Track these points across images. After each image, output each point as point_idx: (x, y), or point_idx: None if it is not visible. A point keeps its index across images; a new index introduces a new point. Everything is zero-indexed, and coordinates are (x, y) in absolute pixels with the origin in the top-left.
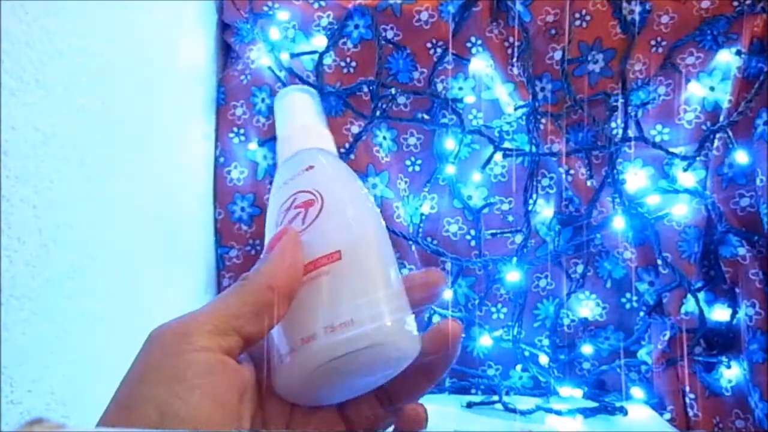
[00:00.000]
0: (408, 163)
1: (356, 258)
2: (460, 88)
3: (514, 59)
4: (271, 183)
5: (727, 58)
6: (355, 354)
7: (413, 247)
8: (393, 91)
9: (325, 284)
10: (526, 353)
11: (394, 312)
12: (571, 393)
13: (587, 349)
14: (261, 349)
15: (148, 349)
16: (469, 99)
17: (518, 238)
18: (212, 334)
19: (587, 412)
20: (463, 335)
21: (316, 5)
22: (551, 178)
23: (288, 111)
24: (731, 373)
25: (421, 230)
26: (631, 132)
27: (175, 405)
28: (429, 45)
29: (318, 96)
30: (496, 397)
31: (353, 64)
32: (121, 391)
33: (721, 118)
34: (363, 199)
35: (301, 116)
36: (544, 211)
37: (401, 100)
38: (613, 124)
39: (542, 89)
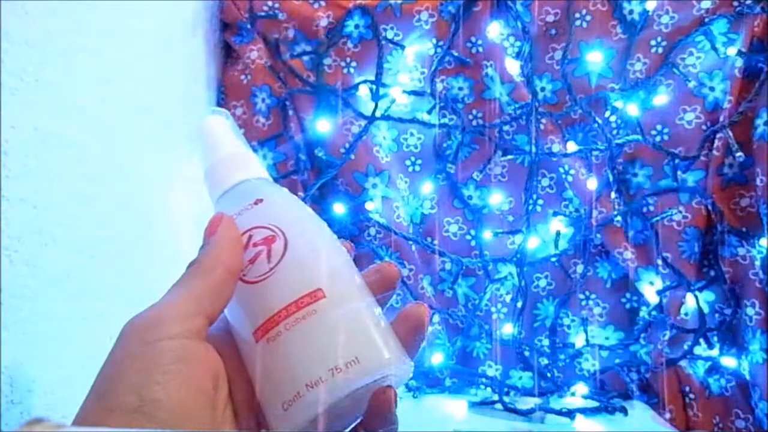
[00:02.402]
0: (408, 163)
1: (339, 294)
2: (460, 88)
3: (515, 59)
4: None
5: (727, 59)
6: (362, 389)
7: (413, 247)
8: (393, 91)
9: (316, 325)
10: (527, 353)
11: (387, 341)
12: (571, 393)
13: (587, 349)
14: (219, 332)
15: (122, 342)
16: (469, 99)
17: (518, 238)
18: (181, 319)
19: (587, 412)
20: (429, 320)
21: (316, 5)
22: (551, 178)
23: (208, 139)
24: (731, 374)
25: (421, 230)
26: (631, 132)
27: (153, 389)
28: (429, 45)
29: (230, 117)
30: (496, 397)
31: (353, 64)
32: (99, 382)
33: (722, 118)
34: (324, 229)
35: (224, 143)
36: (545, 211)
37: (401, 100)
38: (613, 124)
39: (542, 89)
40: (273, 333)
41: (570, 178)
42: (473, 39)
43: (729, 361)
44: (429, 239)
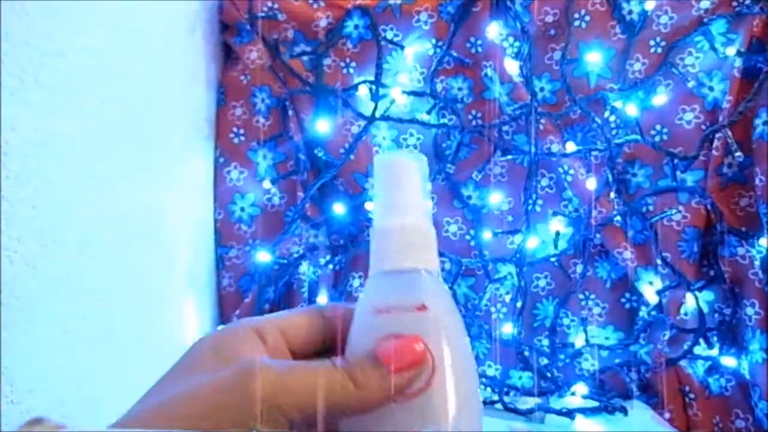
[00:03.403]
0: None
1: None
2: (460, 89)
3: (514, 59)
4: (271, 182)
5: (727, 59)
6: None
7: None
8: (392, 91)
9: None
10: (526, 353)
11: None
12: (571, 393)
13: (587, 349)
14: None
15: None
16: (469, 99)
17: (518, 238)
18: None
19: (587, 412)
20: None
21: (315, 6)
22: (551, 178)
23: (400, 190)
24: (731, 374)
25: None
26: (631, 132)
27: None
28: (428, 45)
29: (425, 162)
30: (496, 397)
31: (353, 64)
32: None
33: (721, 118)
34: (472, 362)
35: (415, 205)
36: (544, 211)
37: (401, 100)
38: (612, 125)
39: (542, 89)
40: None
41: (569, 178)
42: (472, 39)
43: (729, 361)
44: None
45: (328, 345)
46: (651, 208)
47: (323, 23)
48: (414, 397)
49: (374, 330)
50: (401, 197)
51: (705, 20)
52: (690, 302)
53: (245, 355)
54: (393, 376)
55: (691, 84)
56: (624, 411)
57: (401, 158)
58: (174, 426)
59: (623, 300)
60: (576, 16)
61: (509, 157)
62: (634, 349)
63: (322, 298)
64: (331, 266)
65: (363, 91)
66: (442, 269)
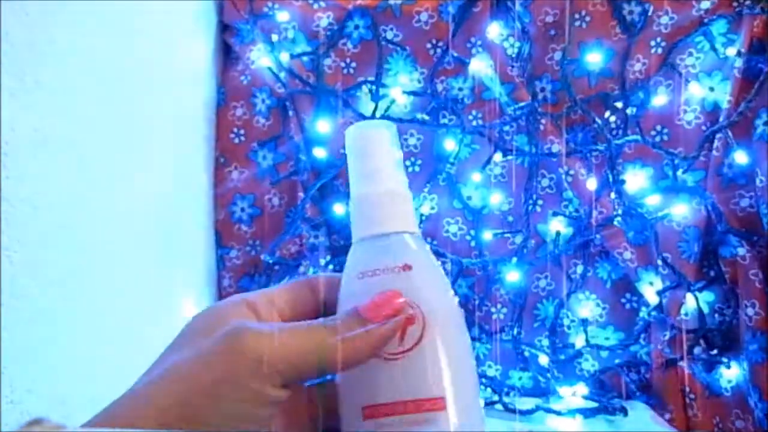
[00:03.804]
0: (408, 163)
1: (460, 411)
2: (460, 89)
3: (514, 60)
4: (271, 183)
5: (727, 59)
6: None
7: None
8: (393, 91)
9: None
10: (526, 353)
11: None
12: (571, 394)
13: (587, 349)
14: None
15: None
16: (469, 100)
17: (518, 239)
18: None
19: (587, 413)
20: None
21: (315, 6)
22: (551, 179)
23: (367, 158)
24: (731, 374)
25: (420, 230)
26: (631, 132)
27: None
28: (429, 45)
29: (395, 129)
30: (496, 398)
31: (353, 64)
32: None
33: (721, 119)
34: (462, 322)
35: (385, 170)
36: (544, 211)
37: (401, 100)
38: (612, 125)
39: (542, 90)
40: (385, 422)
41: (570, 179)
42: (473, 39)
43: (729, 362)
44: (429, 239)
45: (317, 314)
46: (651, 208)
47: (324, 23)
48: (407, 353)
49: (361, 293)
50: (375, 165)
51: (705, 20)
52: (690, 303)
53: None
54: (375, 326)
55: (691, 84)
56: (624, 411)
57: (371, 128)
58: (174, 391)
59: (623, 300)
60: (576, 16)
61: (510, 157)
62: (635, 350)
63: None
64: (331, 267)
65: (363, 92)
66: (443, 269)
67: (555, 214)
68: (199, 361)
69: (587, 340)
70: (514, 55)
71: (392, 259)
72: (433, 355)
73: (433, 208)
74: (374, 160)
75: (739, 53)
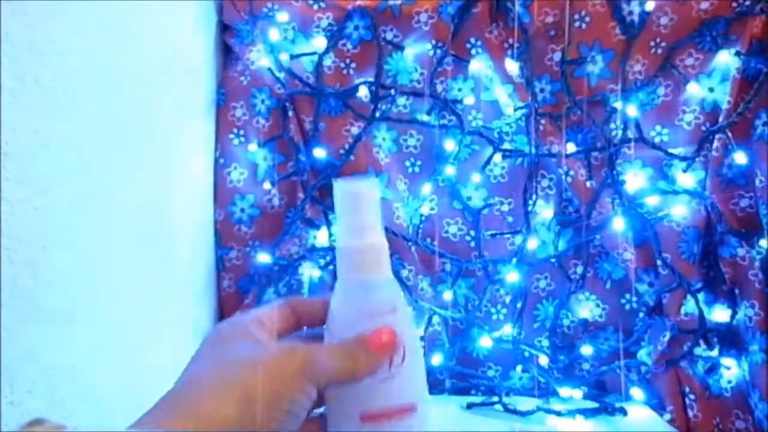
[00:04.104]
0: (408, 164)
1: (425, 414)
2: (460, 90)
3: (514, 60)
4: (271, 184)
5: (727, 59)
6: None
7: (413, 248)
8: (393, 92)
9: (409, 428)
10: (526, 354)
11: None
12: (571, 394)
13: (587, 349)
14: None
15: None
16: (469, 100)
17: (518, 239)
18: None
19: (587, 413)
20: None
21: (315, 6)
22: (551, 179)
23: (359, 212)
24: (731, 374)
25: (420, 231)
26: (631, 133)
27: None
28: (428, 46)
29: (379, 188)
30: (496, 398)
31: (353, 65)
32: None
33: (721, 119)
34: (420, 351)
35: (373, 225)
36: (544, 212)
37: (401, 101)
38: (612, 125)
39: (542, 90)
40: (380, 423)
41: (569, 179)
42: (473, 40)
43: (729, 362)
44: (428, 240)
45: (296, 328)
46: (651, 208)
47: (323, 24)
48: (394, 374)
49: (360, 323)
50: (361, 220)
51: (705, 21)
52: (690, 303)
53: (257, 337)
54: (380, 355)
55: (690, 85)
56: (624, 412)
57: (358, 185)
58: (231, 390)
59: (623, 301)
60: (576, 16)
61: (509, 158)
62: (635, 350)
63: None
64: (331, 267)
65: (363, 92)
66: (443, 270)
67: (555, 214)
68: (260, 364)
69: (587, 341)
70: (513, 56)
71: (384, 303)
72: (410, 375)
73: (432, 209)
74: (360, 215)
75: (738, 54)
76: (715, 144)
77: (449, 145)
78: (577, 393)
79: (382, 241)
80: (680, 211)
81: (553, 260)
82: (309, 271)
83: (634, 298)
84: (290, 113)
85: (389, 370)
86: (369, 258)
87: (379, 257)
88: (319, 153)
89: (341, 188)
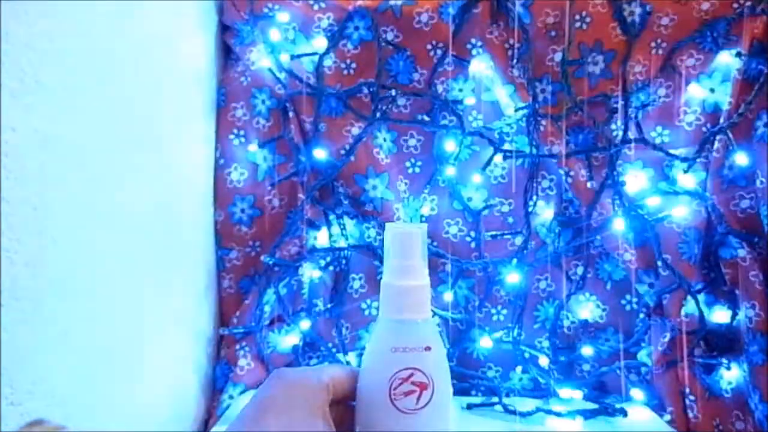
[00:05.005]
0: (408, 164)
1: None
2: (460, 90)
3: (515, 61)
4: (271, 184)
5: (727, 60)
6: None
7: None
8: (393, 92)
9: None
10: (526, 355)
11: None
12: (571, 395)
13: (587, 350)
14: None
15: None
16: (469, 101)
17: (518, 240)
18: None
19: (587, 414)
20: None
21: (316, 7)
22: (551, 180)
23: (410, 255)
24: (731, 375)
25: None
26: (631, 134)
27: None
28: (429, 47)
29: (426, 232)
30: (496, 399)
31: (353, 65)
32: None
33: (722, 120)
34: (449, 390)
35: (421, 268)
36: (545, 212)
37: (401, 101)
38: (613, 126)
39: (542, 91)
40: None
41: (570, 180)
42: (473, 40)
43: (729, 363)
44: (429, 240)
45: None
46: (651, 209)
47: (324, 24)
48: (421, 410)
49: (391, 361)
50: (408, 261)
51: (706, 22)
52: (690, 304)
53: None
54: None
55: (691, 85)
56: (624, 413)
57: (408, 229)
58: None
59: (624, 302)
60: (577, 17)
61: (510, 158)
62: (635, 351)
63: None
64: (331, 268)
65: (364, 93)
66: (443, 270)
67: (555, 215)
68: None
69: (587, 342)
70: (514, 57)
71: (419, 340)
72: (438, 412)
73: (433, 210)
74: (407, 256)
75: (739, 54)
76: (716, 145)
77: (450, 145)
78: (577, 394)
79: (424, 284)
80: (681, 212)
81: (553, 261)
82: (309, 272)
83: (635, 299)
84: (290, 114)
85: (416, 405)
86: (410, 298)
87: (420, 298)
88: (320, 153)
89: (392, 229)
